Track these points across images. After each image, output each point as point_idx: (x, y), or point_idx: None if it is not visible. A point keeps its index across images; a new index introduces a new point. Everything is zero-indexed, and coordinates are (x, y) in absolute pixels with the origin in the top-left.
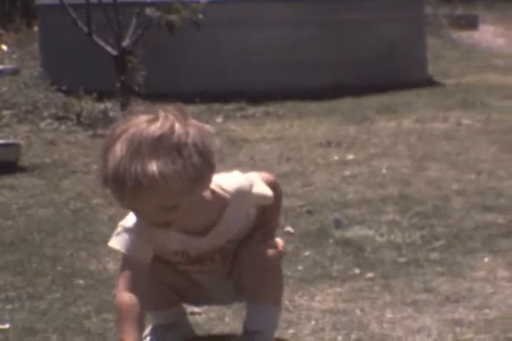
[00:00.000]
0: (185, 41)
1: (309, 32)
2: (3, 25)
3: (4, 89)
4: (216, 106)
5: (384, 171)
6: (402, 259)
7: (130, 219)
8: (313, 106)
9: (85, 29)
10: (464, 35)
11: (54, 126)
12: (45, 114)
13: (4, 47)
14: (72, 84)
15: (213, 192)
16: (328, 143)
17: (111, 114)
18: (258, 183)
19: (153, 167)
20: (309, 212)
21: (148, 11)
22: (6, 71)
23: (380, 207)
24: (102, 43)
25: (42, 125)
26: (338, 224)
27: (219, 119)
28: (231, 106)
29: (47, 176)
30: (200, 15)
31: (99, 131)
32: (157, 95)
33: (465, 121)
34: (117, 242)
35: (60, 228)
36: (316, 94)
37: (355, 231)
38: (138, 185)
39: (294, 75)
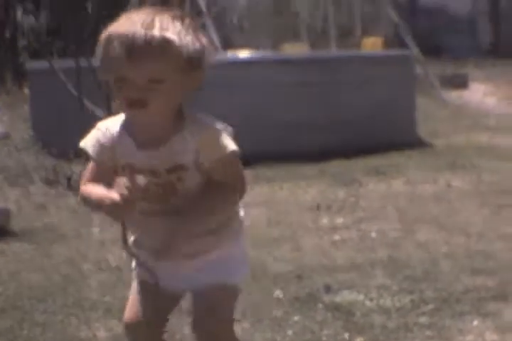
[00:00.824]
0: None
1: (298, 92)
2: None
3: None
4: None
5: (373, 235)
6: (391, 324)
7: (105, 123)
8: (302, 168)
9: (75, 92)
10: (454, 95)
11: (44, 190)
12: (36, 177)
13: None
14: (62, 148)
15: (180, 111)
16: (318, 207)
17: None
18: (229, 139)
19: (167, 32)
20: (299, 276)
21: None
22: None
23: (369, 271)
24: (91, 106)
25: (32, 189)
26: (327, 289)
27: None
28: None
29: (37, 241)
30: None
31: None
32: None
33: (455, 183)
34: (85, 142)
35: (51, 293)
36: (305, 156)
37: (345, 296)
38: (148, 43)
39: (283, 136)
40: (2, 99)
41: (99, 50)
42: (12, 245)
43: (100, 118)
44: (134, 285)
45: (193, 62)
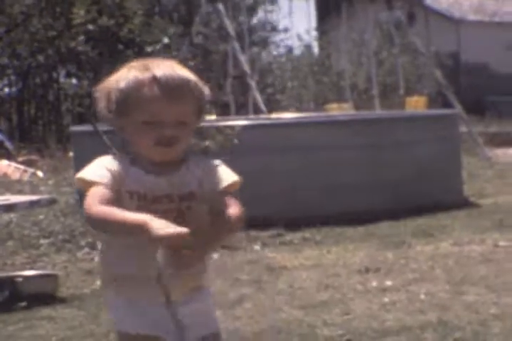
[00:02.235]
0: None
1: (344, 155)
2: (39, 151)
3: (41, 217)
4: (254, 232)
5: (422, 297)
6: None
7: (106, 159)
8: (350, 231)
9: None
10: (498, 153)
11: (91, 255)
12: (82, 242)
13: (40, 174)
14: None
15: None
16: (366, 270)
17: None
18: (229, 170)
19: (192, 77)
20: None
21: None
22: (42, 202)
23: (419, 334)
24: None
25: (79, 254)
26: None
27: (257, 246)
28: (268, 232)
29: (86, 307)
30: (236, 140)
31: None
32: None
33: (502, 243)
34: (85, 173)
35: None
36: (352, 218)
37: None
38: (182, 86)
39: (330, 199)
40: (46, 162)
41: (121, 94)
42: (61, 311)
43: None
44: None
45: (206, 106)
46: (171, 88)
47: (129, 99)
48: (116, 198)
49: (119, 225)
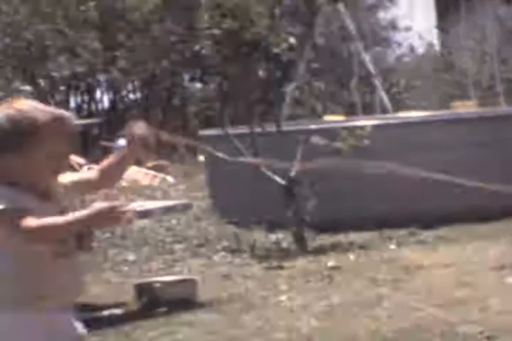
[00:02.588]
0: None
1: (475, 153)
2: (168, 156)
3: (174, 222)
4: (387, 232)
5: None
6: None
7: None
8: (483, 228)
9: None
10: None
11: (228, 259)
12: (218, 247)
13: (170, 179)
14: (242, 216)
15: None
16: (502, 266)
17: (283, 245)
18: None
19: None
20: (489, 338)
21: (313, 139)
22: (177, 207)
23: None
24: (269, 173)
25: (215, 258)
26: None
27: (392, 246)
28: (402, 231)
29: (225, 311)
30: (366, 141)
31: (274, 263)
32: (328, 224)
33: None
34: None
35: None
36: (484, 215)
37: None
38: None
39: (462, 196)
40: (176, 167)
41: (33, 130)
42: (200, 316)
43: (278, 184)
44: None
45: None
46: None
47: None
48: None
49: (62, 227)
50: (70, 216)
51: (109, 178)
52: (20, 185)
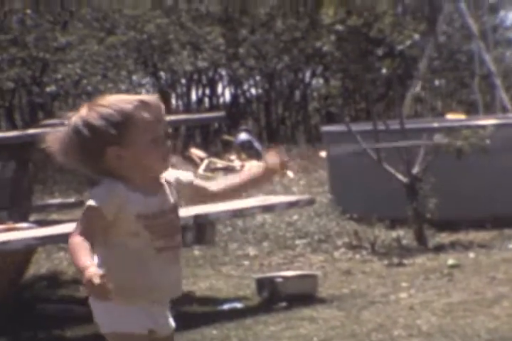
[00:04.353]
0: (473, 166)
1: None
2: (288, 152)
3: (295, 217)
4: (507, 231)
5: None
6: None
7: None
8: None
9: (374, 156)
10: None
11: (348, 255)
12: (339, 242)
13: (290, 174)
14: (363, 212)
15: None
16: None
17: (404, 242)
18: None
19: None
20: None
21: (436, 137)
22: (300, 202)
23: None
24: (392, 170)
25: (336, 254)
26: None
27: (511, 245)
28: None
29: (346, 307)
30: (488, 141)
31: (395, 260)
32: (449, 222)
33: None
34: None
35: None
36: None
37: None
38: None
39: None
40: (296, 162)
41: (128, 119)
42: (321, 312)
43: (401, 182)
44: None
45: None
46: (160, 111)
47: (131, 123)
48: (112, 223)
49: (74, 261)
50: (84, 260)
51: (231, 196)
52: (131, 181)
